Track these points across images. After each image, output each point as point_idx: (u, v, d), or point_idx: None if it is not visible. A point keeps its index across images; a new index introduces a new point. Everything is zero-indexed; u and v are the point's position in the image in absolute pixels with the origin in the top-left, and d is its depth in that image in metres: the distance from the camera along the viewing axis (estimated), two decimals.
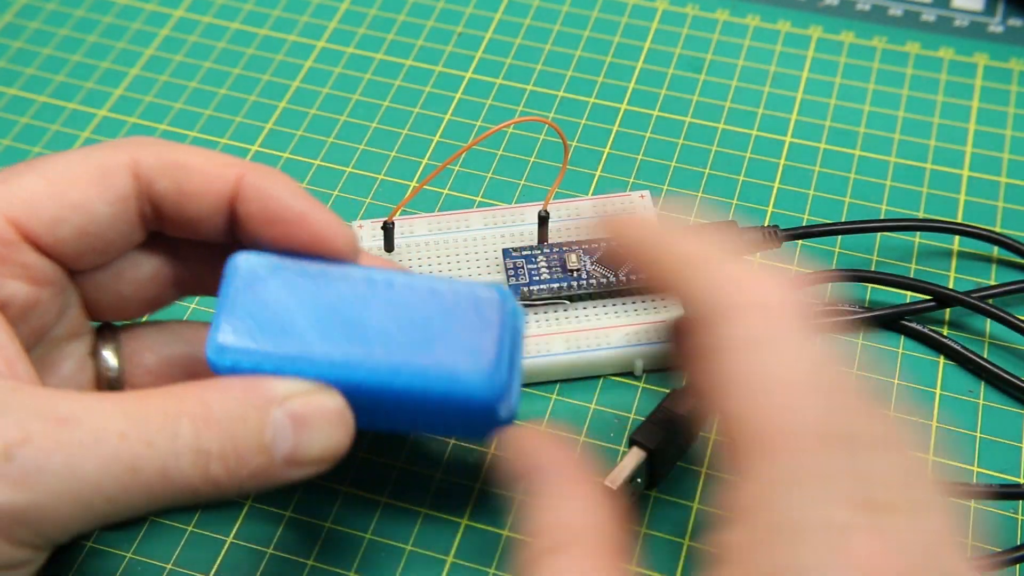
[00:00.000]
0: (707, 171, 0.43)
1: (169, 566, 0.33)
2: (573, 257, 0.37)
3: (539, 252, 0.38)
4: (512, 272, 0.37)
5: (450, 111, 0.45)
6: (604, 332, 0.37)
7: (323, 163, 0.43)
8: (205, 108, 0.45)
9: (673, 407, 0.34)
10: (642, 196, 0.40)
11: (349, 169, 0.43)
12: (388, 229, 0.38)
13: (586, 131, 0.44)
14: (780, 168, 0.43)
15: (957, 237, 0.40)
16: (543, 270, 0.37)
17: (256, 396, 0.27)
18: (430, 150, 0.44)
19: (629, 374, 0.37)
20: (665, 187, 0.42)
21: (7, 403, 0.26)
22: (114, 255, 0.31)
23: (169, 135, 0.44)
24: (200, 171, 0.30)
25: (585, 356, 0.36)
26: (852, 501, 0.23)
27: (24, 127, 0.45)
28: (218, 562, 0.33)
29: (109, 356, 0.32)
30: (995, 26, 0.48)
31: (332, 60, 0.47)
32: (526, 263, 0.38)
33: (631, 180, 0.43)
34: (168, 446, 0.26)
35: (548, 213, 0.38)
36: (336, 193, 0.42)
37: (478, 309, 0.29)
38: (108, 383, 0.32)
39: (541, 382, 0.37)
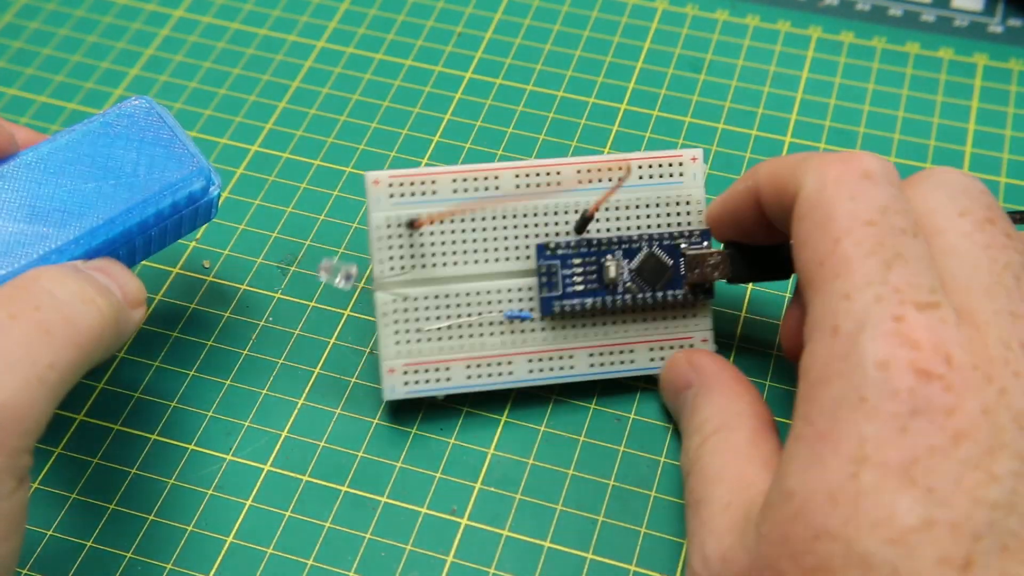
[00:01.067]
0: (707, 171, 0.43)
1: (169, 566, 0.33)
2: (612, 267, 0.35)
3: (575, 254, 0.35)
4: (545, 279, 0.35)
5: (450, 111, 0.45)
6: (629, 347, 0.36)
7: (323, 163, 0.43)
8: (205, 108, 0.45)
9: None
10: (694, 159, 0.36)
11: (349, 169, 0.43)
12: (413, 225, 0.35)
13: (586, 131, 0.44)
14: None
15: None
16: (577, 279, 0.35)
17: (64, 266, 0.31)
18: (430, 150, 0.44)
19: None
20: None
21: None
22: None
23: None
24: None
25: (610, 372, 0.36)
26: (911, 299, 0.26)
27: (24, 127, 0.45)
28: (218, 562, 0.33)
29: None
30: (995, 26, 0.48)
31: (332, 60, 0.47)
32: (560, 266, 0.35)
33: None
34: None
35: (593, 216, 0.35)
36: (336, 193, 0.42)
37: (140, 127, 0.33)
38: None
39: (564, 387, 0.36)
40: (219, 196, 0.34)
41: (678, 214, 0.36)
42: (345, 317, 0.39)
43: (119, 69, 0.47)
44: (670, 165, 0.36)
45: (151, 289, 0.39)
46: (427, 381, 0.35)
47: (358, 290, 0.39)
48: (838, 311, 0.27)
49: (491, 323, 0.35)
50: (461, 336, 0.35)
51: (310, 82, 0.46)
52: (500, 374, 0.35)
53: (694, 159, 0.36)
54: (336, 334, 0.38)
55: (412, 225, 0.34)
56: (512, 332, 0.35)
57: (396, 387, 0.35)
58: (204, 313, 0.39)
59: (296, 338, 0.38)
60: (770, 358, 0.38)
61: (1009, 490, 0.24)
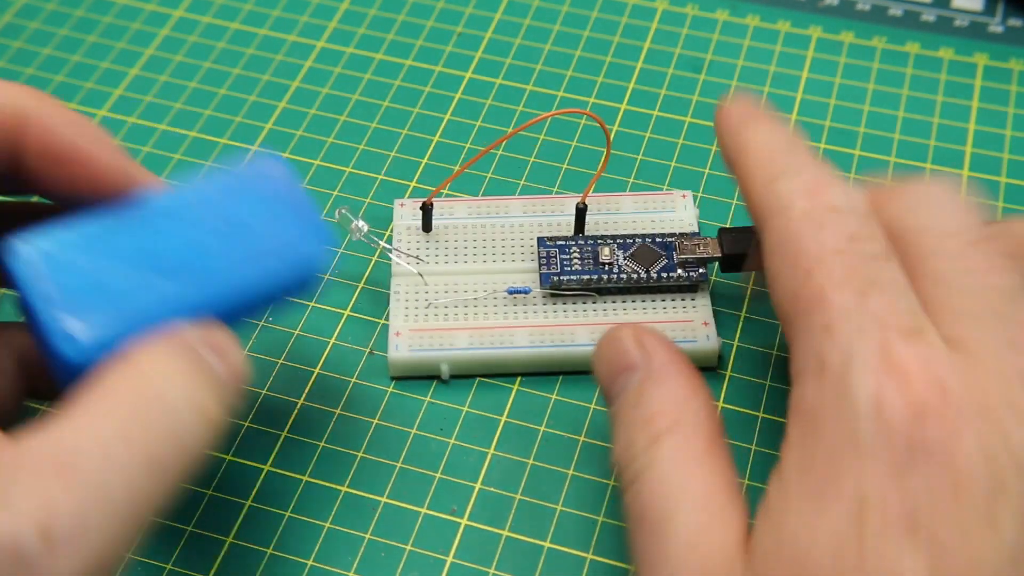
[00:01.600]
0: (707, 171, 0.43)
1: (169, 566, 0.33)
2: (607, 250, 0.38)
3: (573, 243, 0.38)
4: (544, 261, 0.38)
5: (450, 111, 0.45)
6: None
7: (323, 163, 0.43)
8: (205, 108, 0.45)
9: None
10: (683, 196, 0.40)
11: (349, 169, 0.43)
12: (427, 210, 0.39)
13: (586, 131, 0.44)
14: None
15: None
16: (575, 261, 0.38)
17: (177, 345, 0.27)
18: (430, 150, 0.44)
19: None
20: (665, 187, 0.42)
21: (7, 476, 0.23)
22: None
23: (169, 135, 0.44)
24: None
25: None
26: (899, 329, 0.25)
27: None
28: (218, 562, 0.33)
29: None
30: (995, 26, 0.48)
31: (332, 60, 0.47)
32: (559, 252, 0.38)
33: (631, 180, 0.43)
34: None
35: (586, 205, 0.38)
36: (336, 193, 0.42)
37: (273, 189, 0.30)
38: None
39: (567, 372, 0.37)
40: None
41: (672, 226, 0.40)
42: (345, 317, 0.39)
43: (119, 69, 0.47)
44: (662, 201, 0.40)
45: None
46: (431, 345, 0.36)
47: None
48: (822, 346, 0.25)
49: (495, 300, 0.37)
50: (466, 311, 0.37)
51: (310, 82, 0.46)
52: (502, 343, 0.36)
53: (684, 196, 0.40)
54: (336, 334, 0.38)
55: (424, 208, 0.39)
56: (515, 306, 0.37)
57: (400, 346, 0.36)
58: None
59: (296, 338, 0.38)
60: (770, 358, 0.37)
61: (1012, 541, 0.23)
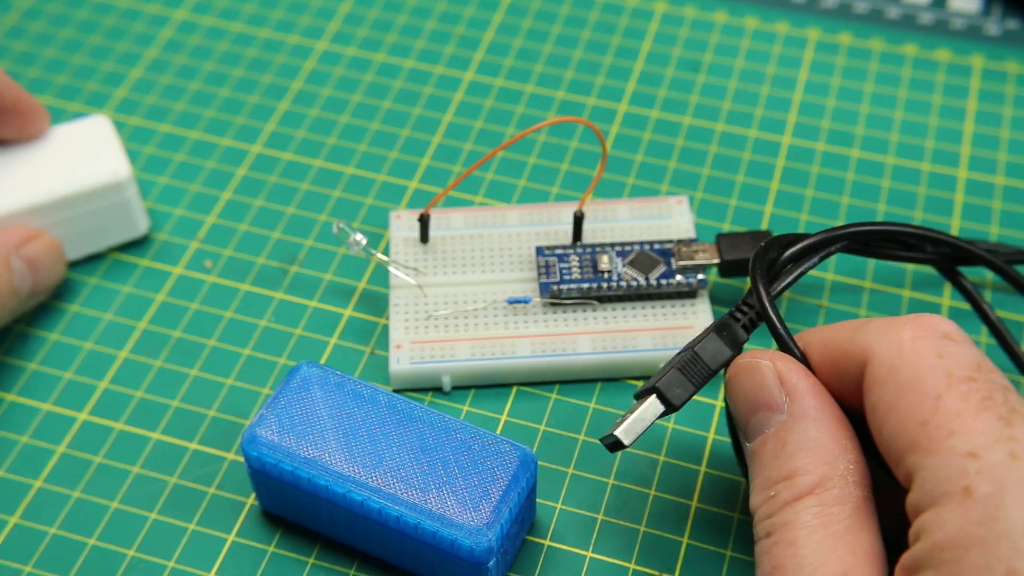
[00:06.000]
0: (706, 171, 0.43)
1: (171, 564, 0.33)
2: (605, 259, 0.38)
3: (572, 252, 0.38)
4: (544, 270, 0.38)
5: (450, 112, 0.45)
6: (631, 335, 0.37)
7: (323, 164, 0.43)
8: (206, 109, 0.45)
9: (705, 356, 0.31)
10: (679, 202, 0.40)
11: (349, 170, 0.43)
12: (424, 221, 0.39)
13: (585, 132, 0.44)
14: (778, 169, 0.43)
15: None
16: (574, 269, 0.38)
17: None
18: (430, 151, 0.44)
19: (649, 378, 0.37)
20: (664, 187, 0.43)
21: None
22: None
23: (170, 136, 0.44)
24: None
25: (611, 357, 0.36)
26: None
27: None
28: (219, 561, 0.33)
29: None
30: (992, 28, 0.48)
31: (332, 61, 0.47)
32: (558, 261, 0.38)
33: (630, 181, 0.43)
34: None
35: (583, 213, 0.38)
36: (336, 194, 0.42)
37: (493, 464, 0.31)
38: None
39: (567, 380, 0.37)
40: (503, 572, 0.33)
41: (669, 232, 0.40)
42: (345, 317, 0.39)
43: (121, 71, 0.47)
44: (659, 207, 0.40)
45: (152, 289, 0.40)
46: (432, 357, 0.36)
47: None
48: (967, 471, 0.24)
49: (495, 310, 0.37)
50: (467, 322, 0.37)
51: (310, 83, 0.46)
52: (503, 353, 0.36)
53: (680, 202, 0.40)
54: (337, 334, 0.38)
55: (422, 220, 0.38)
56: (515, 315, 0.37)
57: (401, 359, 0.36)
58: (206, 313, 0.39)
59: (296, 338, 0.38)
60: None
61: None
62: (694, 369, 0.30)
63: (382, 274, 0.40)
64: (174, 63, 0.47)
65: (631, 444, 0.30)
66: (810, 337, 0.29)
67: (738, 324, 0.30)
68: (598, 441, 0.34)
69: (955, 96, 0.46)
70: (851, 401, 0.28)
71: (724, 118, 0.45)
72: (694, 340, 0.31)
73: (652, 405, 0.30)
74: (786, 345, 0.29)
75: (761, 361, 0.29)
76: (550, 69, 0.47)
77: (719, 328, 0.31)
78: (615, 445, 0.30)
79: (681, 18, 0.49)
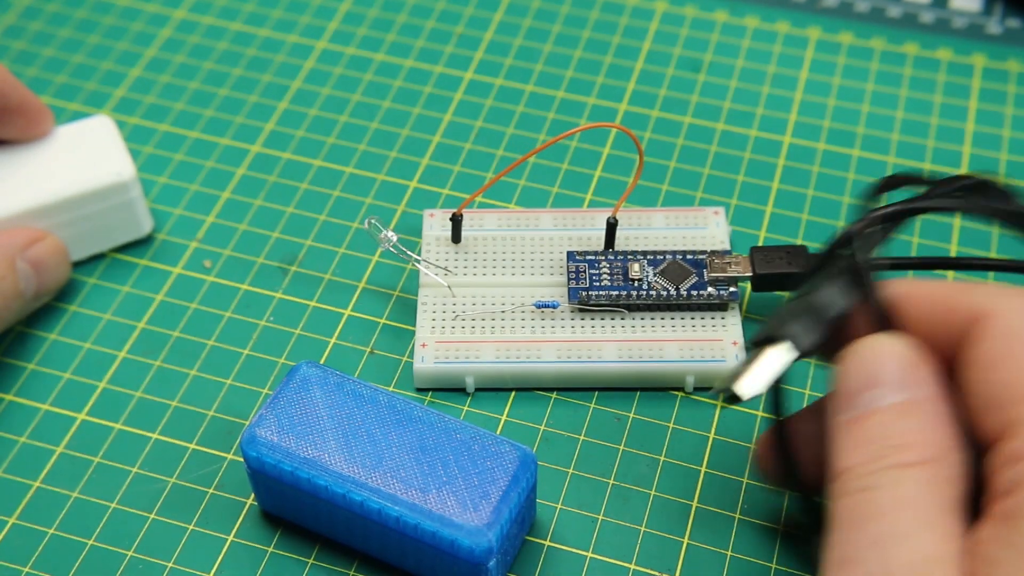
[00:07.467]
0: (706, 171, 0.43)
1: (170, 564, 0.33)
2: (636, 267, 0.37)
3: (603, 258, 0.38)
4: (573, 275, 0.37)
5: (450, 112, 0.45)
6: (659, 345, 0.36)
7: (323, 163, 0.43)
8: (206, 109, 0.45)
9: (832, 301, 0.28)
10: (716, 212, 0.40)
11: (349, 169, 0.43)
12: (457, 221, 0.39)
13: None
14: (779, 168, 0.43)
15: None
16: (604, 276, 0.37)
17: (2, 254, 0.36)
18: (430, 151, 0.44)
19: (680, 389, 0.37)
20: (665, 187, 0.42)
21: None
22: None
23: (169, 135, 0.44)
24: None
25: (637, 367, 0.36)
26: None
27: None
28: (218, 561, 0.33)
29: None
30: (993, 27, 0.48)
31: (332, 61, 0.47)
32: (589, 267, 0.37)
33: (630, 181, 0.43)
34: None
35: (617, 220, 0.38)
36: (336, 193, 0.42)
37: (493, 464, 0.31)
38: None
39: (594, 388, 0.37)
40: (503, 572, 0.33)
41: (703, 243, 0.39)
42: (345, 317, 0.39)
43: (120, 70, 0.47)
44: (694, 218, 0.40)
45: (152, 289, 0.40)
46: (456, 357, 0.36)
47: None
48: None
49: (522, 313, 0.37)
50: (493, 324, 0.37)
51: (310, 83, 0.46)
52: (528, 357, 0.36)
53: (716, 213, 0.40)
54: (336, 334, 0.38)
55: (454, 220, 0.39)
56: (543, 320, 0.37)
57: (426, 357, 0.36)
58: (205, 313, 0.39)
59: (297, 338, 0.38)
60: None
61: None
62: (813, 317, 0.27)
63: (382, 274, 0.40)
64: (173, 62, 0.47)
65: (751, 398, 0.27)
66: (910, 287, 0.29)
67: (845, 275, 0.28)
68: (710, 395, 0.35)
69: (956, 95, 0.46)
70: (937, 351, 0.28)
71: (725, 118, 0.45)
72: (805, 288, 0.28)
73: (779, 352, 0.26)
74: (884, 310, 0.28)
75: (885, 340, 0.28)
76: (550, 68, 0.47)
77: (833, 276, 0.28)
78: (733, 399, 0.27)
79: (682, 17, 0.49)
